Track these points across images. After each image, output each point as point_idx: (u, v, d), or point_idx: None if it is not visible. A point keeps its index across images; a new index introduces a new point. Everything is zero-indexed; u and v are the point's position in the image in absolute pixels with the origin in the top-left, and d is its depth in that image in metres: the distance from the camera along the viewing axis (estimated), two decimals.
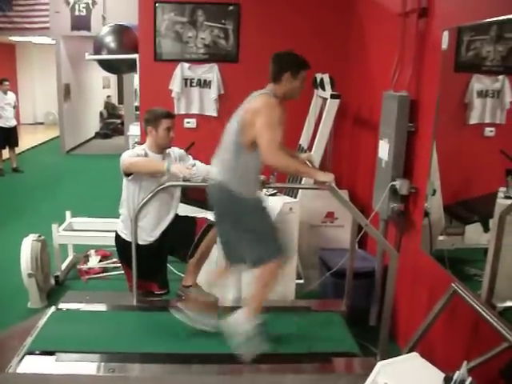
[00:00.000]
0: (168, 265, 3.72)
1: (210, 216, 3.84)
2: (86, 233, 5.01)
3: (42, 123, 16.85)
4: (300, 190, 4.24)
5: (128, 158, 3.26)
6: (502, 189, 2.75)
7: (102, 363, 2.82)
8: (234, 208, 2.87)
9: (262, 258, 2.85)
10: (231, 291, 3.67)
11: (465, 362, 1.99)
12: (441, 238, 3.34)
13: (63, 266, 4.88)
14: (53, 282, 4.64)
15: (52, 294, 4.44)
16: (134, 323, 3.25)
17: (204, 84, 5.31)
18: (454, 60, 3.13)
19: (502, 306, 2.59)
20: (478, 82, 3.07)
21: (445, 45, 3.04)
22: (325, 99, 4.54)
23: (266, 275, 2.90)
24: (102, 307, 3.47)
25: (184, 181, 3.72)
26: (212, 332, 3.04)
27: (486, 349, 2.30)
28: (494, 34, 2.84)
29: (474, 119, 3.15)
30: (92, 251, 5.24)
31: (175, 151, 3.53)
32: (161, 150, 3.40)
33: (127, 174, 3.28)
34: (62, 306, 3.42)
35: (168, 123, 3.34)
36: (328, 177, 2.88)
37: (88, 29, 11.03)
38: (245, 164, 2.81)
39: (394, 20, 3.73)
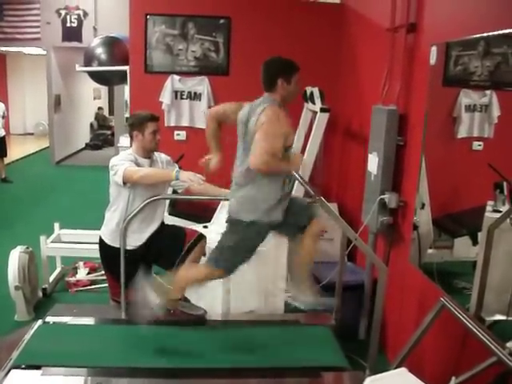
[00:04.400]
0: (156, 276, 3.68)
1: (199, 228, 3.84)
2: (74, 245, 4.98)
3: (31, 134, 16.77)
4: None
5: (129, 170, 3.19)
6: (490, 202, 2.77)
7: (89, 378, 2.80)
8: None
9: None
10: (220, 305, 3.64)
11: (453, 378, 1.99)
12: (430, 251, 3.36)
13: (51, 278, 4.84)
14: (40, 294, 4.60)
15: (39, 307, 4.41)
16: (122, 337, 3.22)
17: (194, 96, 5.32)
18: (443, 75, 3.16)
19: (490, 319, 2.59)
20: (466, 97, 3.10)
21: (433, 60, 3.07)
22: (315, 112, 4.57)
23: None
24: (89, 320, 3.44)
25: (173, 193, 3.73)
26: (200, 346, 3.02)
27: (474, 363, 2.30)
28: (481, 49, 2.88)
29: (462, 133, 3.18)
30: (80, 263, 5.20)
31: (162, 157, 3.52)
32: (148, 153, 3.39)
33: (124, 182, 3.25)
34: (49, 319, 3.38)
35: (153, 126, 3.33)
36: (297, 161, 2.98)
37: (79, 40, 11.05)
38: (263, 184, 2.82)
39: (384, 35, 3.76)
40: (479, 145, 3.10)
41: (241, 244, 2.92)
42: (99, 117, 16.26)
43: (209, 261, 3.05)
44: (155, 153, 3.46)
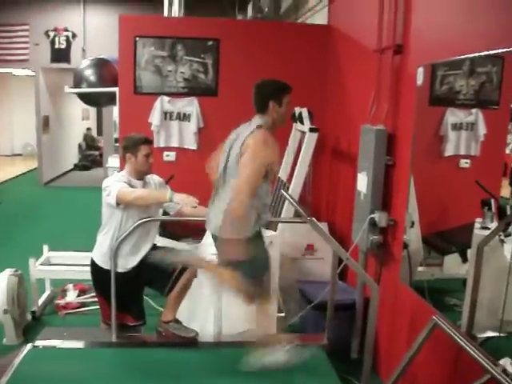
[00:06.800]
0: (147, 299, 3.65)
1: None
2: (63, 267, 4.93)
3: (20, 155, 16.73)
4: (280, 223, 4.25)
5: (123, 191, 3.19)
6: (479, 219, 2.80)
7: None
8: None
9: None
10: (212, 326, 3.62)
11: None
12: (420, 268, 3.37)
13: (40, 301, 4.79)
14: (29, 317, 4.55)
15: (28, 330, 4.35)
16: (113, 361, 3.19)
17: (184, 117, 5.33)
18: (429, 94, 3.21)
19: (482, 336, 2.60)
20: (453, 116, 3.15)
21: (420, 80, 3.11)
22: (303, 133, 4.60)
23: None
24: (79, 344, 3.40)
25: (164, 214, 3.72)
26: (192, 370, 3.00)
27: (468, 381, 2.30)
28: (466, 68, 2.93)
29: (449, 151, 3.22)
30: (70, 285, 5.16)
31: (155, 179, 3.53)
32: (141, 176, 3.40)
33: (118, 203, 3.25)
34: (39, 343, 3.34)
35: (147, 149, 3.34)
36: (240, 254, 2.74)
37: (68, 61, 11.11)
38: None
39: (370, 56, 3.81)
40: (466, 162, 3.14)
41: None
42: (88, 137, 16.22)
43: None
44: (148, 175, 3.47)
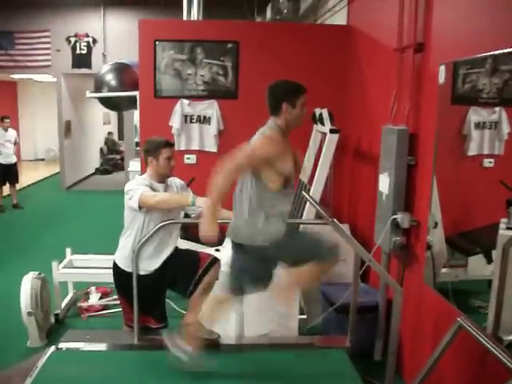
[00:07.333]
0: (169, 301, 3.66)
1: (212, 252, 3.84)
2: (86, 270, 4.99)
3: (42, 159, 16.98)
4: (301, 225, 4.23)
5: (145, 195, 3.21)
6: (504, 220, 2.75)
7: None
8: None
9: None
10: (233, 329, 3.62)
11: None
12: (444, 270, 3.32)
13: (63, 304, 4.84)
14: (53, 320, 4.60)
15: (52, 333, 4.40)
16: (135, 363, 3.20)
17: (204, 120, 5.35)
18: (451, 93, 3.16)
19: (508, 338, 2.55)
20: (475, 114, 3.10)
21: (442, 79, 3.07)
22: (324, 134, 4.57)
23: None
24: (102, 346, 3.42)
25: (185, 216, 3.73)
26: (214, 372, 2.99)
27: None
28: (489, 66, 2.88)
29: (472, 151, 3.17)
30: (92, 288, 5.20)
31: (176, 182, 3.55)
32: (162, 179, 3.42)
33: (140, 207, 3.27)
34: (62, 345, 3.37)
35: (168, 152, 3.36)
36: (209, 231, 2.71)
37: (89, 66, 11.25)
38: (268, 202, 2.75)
39: (391, 55, 3.78)
40: (490, 162, 3.09)
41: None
42: (109, 142, 16.39)
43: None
44: (169, 177, 3.48)
